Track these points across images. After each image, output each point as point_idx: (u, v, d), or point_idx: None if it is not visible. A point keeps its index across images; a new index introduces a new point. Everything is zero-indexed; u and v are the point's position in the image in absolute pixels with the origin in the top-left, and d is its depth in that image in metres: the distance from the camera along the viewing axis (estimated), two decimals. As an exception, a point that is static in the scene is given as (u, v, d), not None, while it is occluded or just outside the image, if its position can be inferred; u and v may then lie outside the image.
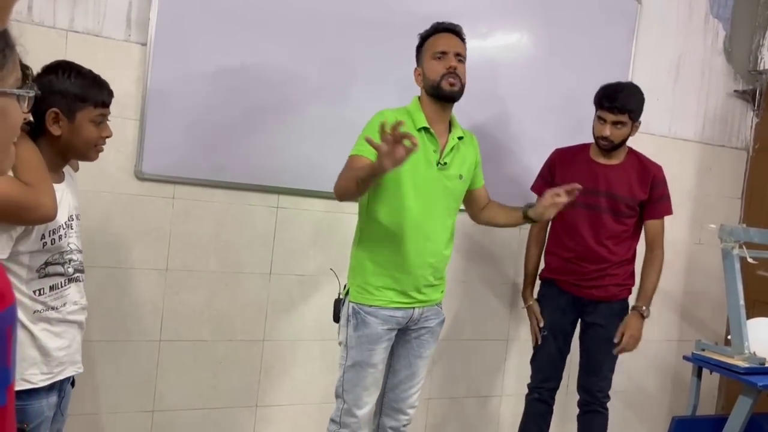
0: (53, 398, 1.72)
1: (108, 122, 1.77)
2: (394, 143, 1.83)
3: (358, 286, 2.23)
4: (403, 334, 2.30)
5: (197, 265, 2.60)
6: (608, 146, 2.67)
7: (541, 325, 2.81)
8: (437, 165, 2.22)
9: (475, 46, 3.00)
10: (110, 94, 1.75)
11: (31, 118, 1.66)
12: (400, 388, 2.33)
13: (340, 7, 2.70)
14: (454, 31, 2.26)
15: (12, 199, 1.50)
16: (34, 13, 2.29)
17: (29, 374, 1.65)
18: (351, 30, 2.72)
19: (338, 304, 2.29)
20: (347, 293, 2.26)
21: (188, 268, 2.59)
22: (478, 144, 2.43)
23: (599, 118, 2.66)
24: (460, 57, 2.23)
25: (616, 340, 2.71)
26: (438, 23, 2.27)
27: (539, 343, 2.82)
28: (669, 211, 2.80)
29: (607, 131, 2.63)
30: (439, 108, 2.24)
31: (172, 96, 2.47)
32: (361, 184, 2.03)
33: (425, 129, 2.21)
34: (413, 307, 2.25)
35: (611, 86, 2.67)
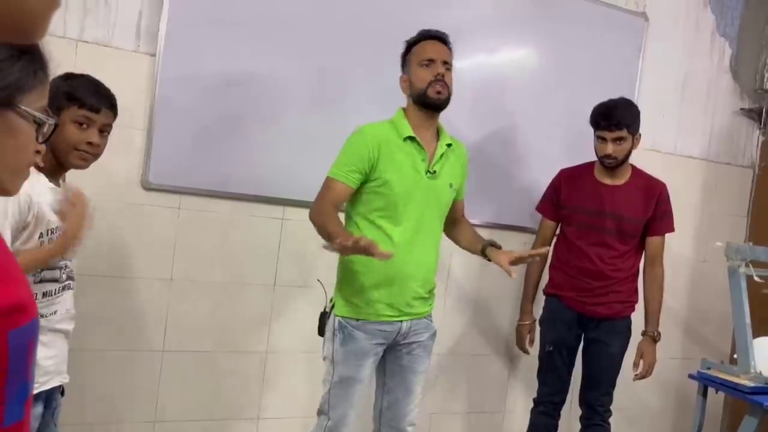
0: (38, 408, 1.69)
1: (103, 137, 1.74)
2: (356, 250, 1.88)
3: (344, 299, 2.17)
4: (393, 349, 2.23)
5: (201, 275, 2.60)
6: (613, 164, 2.68)
7: (530, 347, 2.90)
8: (426, 174, 2.18)
9: (482, 61, 3.02)
10: (107, 100, 1.72)
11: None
12: (397, 406, 2.27)
13: (349, 20, 2.72)
14: (442, 38, 2.22)
15: None
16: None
17: None
18: (359, 43, 2.73)
19: (323, 318, 2.22)
20: (333, 306, 2.20)
21: (192, 278, 2.59)
22: (466, 153, 2.38)
23: (599, 138, 2.67)
24: (448, 65, 2.19)
25: (634, 370, 2.78)
26: (425, 30, 2.23)
27: (542, 356, 2.84)
28: (671, 228, 2.81)
29: (609, 149, 2.64)
30: (426, 116, 2.20)
31: (180, 106, 2.48)
32: (329, 240, 2.00)
33: (411, 138, 2.17)
34: (401, 321, 2.20)
35: (603, 105, 2.68)
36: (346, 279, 2.19)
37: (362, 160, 2.10)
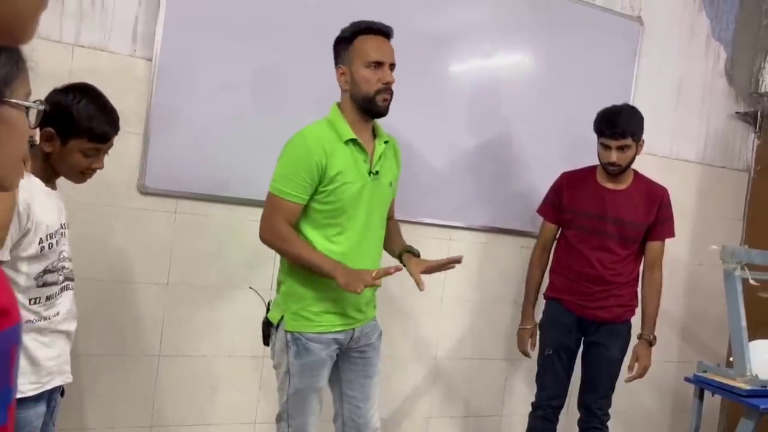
0: (41, 408, 1.71)
1: (105, 155, 1.74)
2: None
3: (293, 313, 2.07)
4: (346, 355, 2.17)
5: (198, 280, 2.60)
6: (617, 171, 2.68)
7: (531, 350, 2.88)
8: (369, 175, 2.07)
9: (478, 65, 3.03)
10: (113, 129, 1.72)
11: (38, 136, 1.65)
12: (358, 413, 2.20)
13: (345, 24, 2.72)
14: (388, 34, 2.08)
15: None
16: (40, 26, 2.29)
17: (18, 383, 1.63)
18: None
19: (267, 328, 2.12)
20: (281, 320, 2.08)
21: (189, 282, 2.58)
22: (398, 145, 2.29)
23: (603, 146, 2.66)
24: (393, 66, 2.07)
25: (628, 373, 2.78)
26: (369, 22, 2.07)
27: (542, 359, 2.84)
28: (671, 234, 2.81)
29: (613, 157, 2.63)
30: (366, 117, 2.09)
31: (176, 111, 2.48)
32: (307, 269, 2.01)
33: (353, 141, 2.05)
34: (353, 328, 2.13)
35: (608, 112, 2.66)
36: (294, 293, 2.08)
37: (311, 175, 1.99)
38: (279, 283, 2.15)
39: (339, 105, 2.12)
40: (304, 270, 2.05)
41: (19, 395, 1.62)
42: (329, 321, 2.08)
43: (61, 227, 1.73)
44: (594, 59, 3.27)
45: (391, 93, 2.06)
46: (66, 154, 1.67)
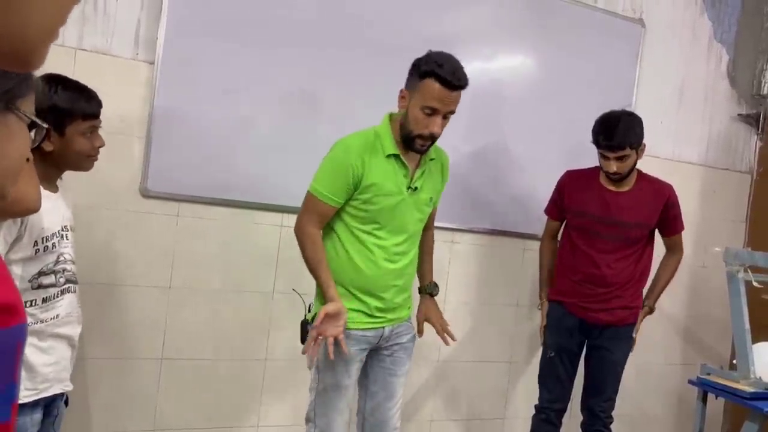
0: (38, 415, 1.69)
1: (99, 131, 1.77)
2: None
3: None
4: (376, 353, 2.24)
5: (200, 283, 2.60)
6: (618, 179, 2.68)
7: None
8: (408, 190, 2.14)
9: (478, 68, 3.02)
10: (98, 103, 1.76)
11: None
12: (380, 410, 2.26)
13: (347, 27, 2.73)
14: (460, 87, 2.06)
15: None
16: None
17: None
18: (358, 50, 2.74)
19: (305, 326, 2.18)
20: (315, 316, 2.13)
21: (191, 286, 2.58)
22: (448, 159, 2.32)
23: (602, 155, 2.65)
24: (451, 113, 2.09)
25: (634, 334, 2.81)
26: (449, 73, 2.03)
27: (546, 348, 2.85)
28: (682, 227, 2.85)
29: (613, 167, 2.62)
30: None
31: (179, 114, 2.48)
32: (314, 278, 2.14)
33: (395, 156, 2.11)
34: (383, 326, 2.20)
35: (606, 122, 2.63)
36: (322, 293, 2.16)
37: (347, 181, 2.07)
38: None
39: (391, 117, 2.17)
40: (335, 269, 2.14)
41: None
42: (358, 318, 2.15)
43: (63, 229, 1.73)
44: (596, 62, 3.26)
45: (434, 140, 2.11)
46: (68, 143, 1.69)
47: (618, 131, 2.58)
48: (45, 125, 0.88)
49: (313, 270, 2.13)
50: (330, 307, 2.05)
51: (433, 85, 2.03)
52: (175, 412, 2.60)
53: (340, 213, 2.13)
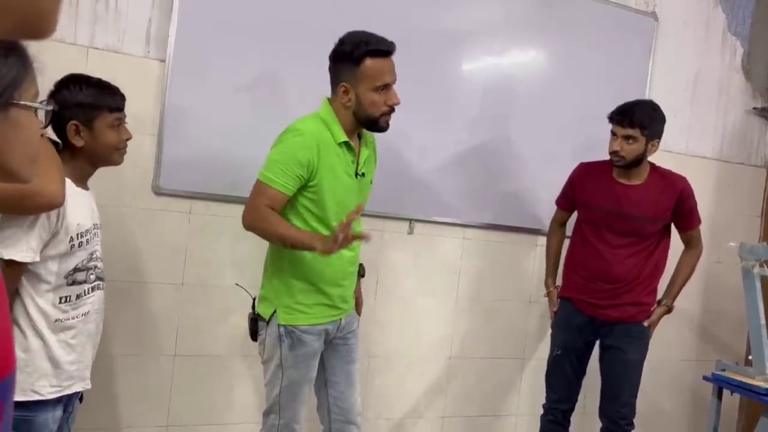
0: (59, 412, 1.72)
1: (126, 125, 1.81)
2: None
3: (286, 307, 2.11)
4: (330, 344, 2.23)
5: (213, 279, 2.61)
6: (620, 162, 2.61)
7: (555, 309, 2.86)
8: (356, 176, 2.15)
9: (490, 63, 3.02)
10: (122, 98, 1.80)
11: (51, 133, 1.69)
12: (342, 398, 2.27)
13: (357, 23, 2.71)
14: (393, 52, 2.07)
15: (10, 188, 1.47)
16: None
17: (39, 386, 1.65)
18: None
19: (256, 323, 2.17)
20: (273, 315, 2.11)
21: (204, 282, 2.60)
22: (376, 143, 2.31)
23: (612, 133, 2.62)
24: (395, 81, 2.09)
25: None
26: (376, 42, 2.05)
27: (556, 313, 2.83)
28: (700, 221, 2.78)
29: (617, 146, 2.58)
30: (362, 127, 2.15)
31: (190, 112, 2.49)
32: (288, 246, 2.04)
33: (345, 143, 2.10)
34: (340, 318, 2.21)
35: (627, 102, 2.63)
36: (285, 287, 2.13)
37: (302, 167, 2.02)
38: (266, 279, 2.20)
39: (331, 103, 2.13)
40: (294, 264, 2.11)
41: (38, 398, 1.64)
42: (321, 312, 2.15)
43: (94, 227, 1.77)
44: (608, 56, 3.24)
45: (393, 111, 2.10)
46: (97, 136, 1.73)
47: (633, 109, 2.58)
48: (50, 107, 0.90)
49: (280, 235, 2.03)
50: (323, 245, 1.94)
51: (374, 63, 2.04)
52: (189, 407, 2.61)
53: (294, 204, 2.08)
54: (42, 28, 0.67)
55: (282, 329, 2.11)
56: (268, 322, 2.14)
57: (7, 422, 0.77)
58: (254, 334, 2.19)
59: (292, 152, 2.03)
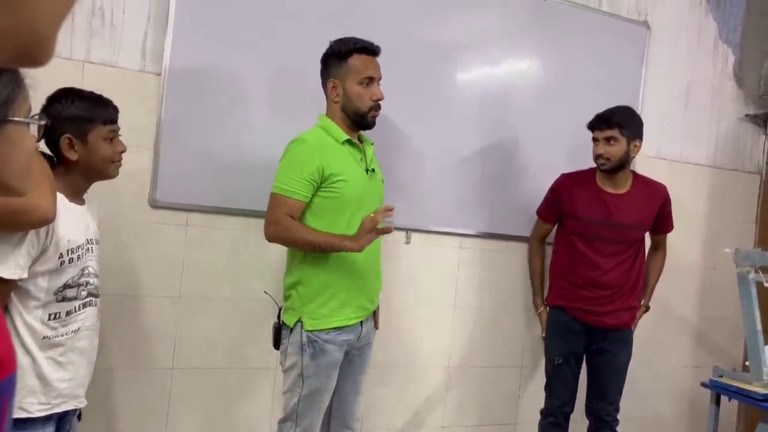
0: (50, 429, 1.69)
1: (120, 137, 1.80)
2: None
3: (311, 313, 2.14)
4: (347, 354, 2.26)
5: (210, 292, 2.60)
6: (606, 165, 2.68)
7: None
8: (367, 173, 2.22)
9: (486, 72, 3.04)
10: (115, 110, 1.79)
11: (44, 148, 1.68)
12: (346, 406, 2.32)
13: (355, 35, 2.73)
14: (378, 53, 2.22)
15: (2, 203, 1.46)
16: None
17: (27, 403, 1.62)
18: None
19: (279, 332, 2.20)
20: (297, 322, 2.15)
21: (201, 295, 2.59)
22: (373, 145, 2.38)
23: (593, 140, 2.72)
24: (379, 79, 2.22)
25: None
26: (364, 42, 2.20)
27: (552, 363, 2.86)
28: (672, 227, 2.92)
29: (600, 149, 2.67)
30: (354, 126, 2.23)
31: (186, 125, 2.50)
32: (318, 251, 2.10)
33: (348, 141, 2.18)
34: (361, 323, 2.23)
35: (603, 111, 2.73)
36: (310, 292, 2.15)
37: (312, 171, 2.09)
38: (290, 288, 2.20)
39: (327, 115, 2.23)
40: (316, 269, 2.14)
41: (26, 415, 1.61)
42: (345, 314, 2.17)
43: (87, 242, 1.74)
44: (601, 65, 3.27)
45: (380, 108, 2.21)
46: (92, 149, 1.71)
47: (610, 111, 2.68)
48: (42, 121, 0.91)
49: (307, 242, 2.09)
50: (356, 243, 2.05)
51: (360, 58, 2.17)
52: (187, 421, 2.60)
53: (312, 210, 2.13)
54: (41, 55, 0.67)
55: (305, 338, 2.13)
56: (291, 330, 2.16)
57: (8, 422, 0.77)
58: (277, 343, 2.22)
59: (300, 159, 2.11)
